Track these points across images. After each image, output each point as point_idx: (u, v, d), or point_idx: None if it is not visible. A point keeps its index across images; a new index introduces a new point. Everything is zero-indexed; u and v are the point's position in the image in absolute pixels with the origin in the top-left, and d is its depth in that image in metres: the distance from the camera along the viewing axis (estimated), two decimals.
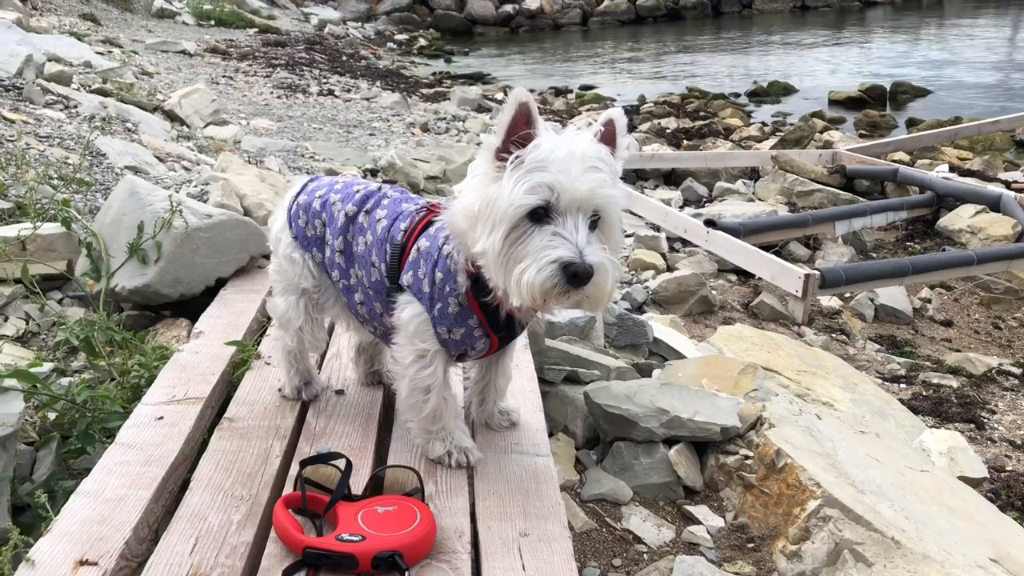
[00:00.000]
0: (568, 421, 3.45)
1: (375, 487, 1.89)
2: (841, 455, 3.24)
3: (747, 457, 3.18)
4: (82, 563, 1.65)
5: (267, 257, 2.45)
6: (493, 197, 1.71)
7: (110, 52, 12.76)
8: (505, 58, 23.39)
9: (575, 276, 1.65)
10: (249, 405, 2.31)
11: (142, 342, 2.79)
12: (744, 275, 7.18)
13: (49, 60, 8.36)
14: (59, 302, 3.26)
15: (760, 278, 6.87)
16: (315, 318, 2.21)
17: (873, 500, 2.94)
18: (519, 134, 1.73)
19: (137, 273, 3.01)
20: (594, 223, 1.75)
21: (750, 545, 2.98)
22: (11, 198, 3.85)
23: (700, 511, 3.13)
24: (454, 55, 23.36)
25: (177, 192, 4.82)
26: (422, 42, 24.50)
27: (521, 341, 2.78)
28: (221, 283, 3.15)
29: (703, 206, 9.12)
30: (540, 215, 1.69)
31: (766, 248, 7.41)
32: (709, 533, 3.03)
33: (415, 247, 1.98)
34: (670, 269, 7.08)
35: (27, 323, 3.11)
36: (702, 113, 14.90)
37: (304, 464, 1.88)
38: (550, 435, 3.41)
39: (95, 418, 2.33)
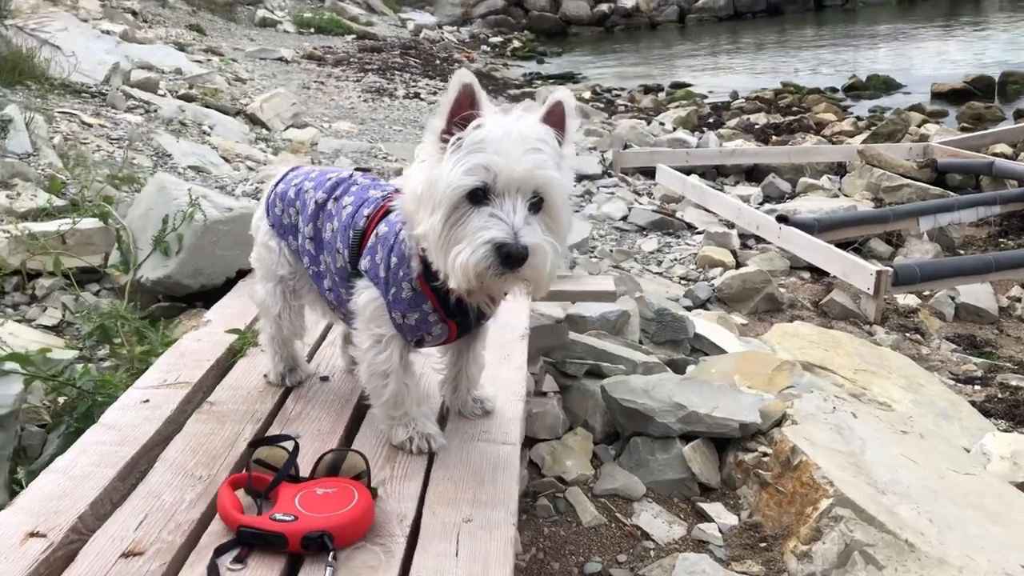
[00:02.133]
0: (588, 415, 3.41)
1: (332, 471, 1.91)
2: (869, 455, 3.09)
3: (765, 454, 3.07)
4: (32, 535, 1.71)
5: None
6: (435, 179, 1.70)
7: (208, 60, 13.27)
8: (598, 58, 23.25)
9: (508, 257, 1.63)
10: (233, 390, 2.36)
11: (163, 331, 2.90)
12: (817, 273, 6.94)
13: (138, 68, 8.78)
14: (96, 294, 3.42)
15: (833, 275, 6.63)
16: (292, 305, 2.25)
17: (893, 501, 2.80)
18: (462, 115, 1.71)
19: (160, 265, 3.13)
20: (538, 206, 1.71)
21: (762, 544, 2.89)
22: (68, 196, 4.04)
23: (714, 509, 3.04)
24: (547, 56, 23.36)
25: (233, 190, 4.99)
26: (516, 44, 24.60)
27: (518, 332, 2.76)
28: (242, 275, 3.24)
29: (784, 202, 8.87)
30: (479, 197, 1.67)
31: (845, 245, 7.16)
32: (720, 531, 2.95)
33: (374, 232, 1.99)
34: (740, 267, 6.91)
35: (63, 313, 3.26)
36: (794, 108, 14.48)
37: (252, 445, 1.92)
38: (569, 429, 3.40)
39: (95, 402, 2.43)
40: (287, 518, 1.69)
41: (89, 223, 3.44)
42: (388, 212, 2.01)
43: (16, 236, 3.27)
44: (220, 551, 1.67)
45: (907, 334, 6.07)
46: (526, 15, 28.53)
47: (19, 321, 3.19)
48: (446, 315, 1.94)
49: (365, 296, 1.96)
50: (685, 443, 3.18)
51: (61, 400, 2.59)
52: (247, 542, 1.68)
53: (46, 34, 7.18)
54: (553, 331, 3.53)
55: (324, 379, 2.44)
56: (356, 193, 2.10)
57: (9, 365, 2.34)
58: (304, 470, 1.92)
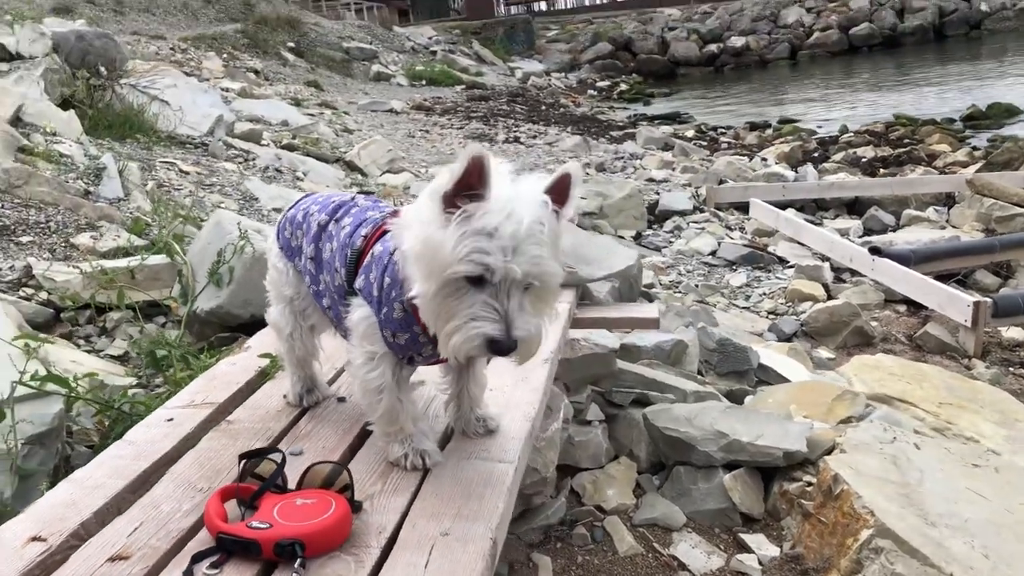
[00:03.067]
0: (633, 444, 3.36)
1: (323, 484, 1.95)
2: (927, 486, 2.93)
3: (809, 484, 2.95)
4: (33, 539, 1.81)
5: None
6: (435, 246, 1.72)
7: (321, 113, 13.89)
8: (706, 98, 23.10)
9: (498, 351, 1.72)
10: (253, 410, 2.44)
11: (206, 358, 3.03)
12: (914, 306, 6.64)
13: (246, 121, 9.26)
14: (162, 326, 3.60)
15: (929, 308, 6.33)
16: (301, 325, 2.32)
17: (944, 534, 2.64)
18: (469, 190, 1.70)
19: (213, 296, 3.28)
20: (529, 287, 1.74)
21: None
22: (149, 237, 4.29)
23: (755, 540, 2.93)
24: (654, 97, 23.40)
25: None
26: (623, 87, 24.76)
27: (540, 356, 2.74)
28: None
29: (887, 236, 8.54)
30: (475, 280, 1.71)
31: (947, 277, 6.84)
32: (760, 563, 2.84)
33: (371, 252, 2.04)
34: (832, 300, 6.68)
35: (129, 345, 3.45)
36: (906, 141, 13.98)
37: (243, 457, 1.98)
38: (614, 458, 3.36)
39: (133, 423, 2.56)
40: (262, 526, 1.73)
41: (157, 259, 3.64)
42: (385, 232, 2.05)
43: (89, 272, 3.49)
44: (198, 557, 1.72)
45: (1011, 368, 5.73)
46: (634, 58, 28.71)
47: (88, 351, 3.39)
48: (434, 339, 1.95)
49: (359, 314, 2.01)
50: (728, 472, 3.08)
51: (107, 423, 2.74)
52: (225, 548, 1.73)
53: (156, 90, 7.68)
54: (601, 360, 3.50)
55: (341, 400, 2.49)
56: (355, 214, 2.16)
57: (50, 386, 2.50)
58: (295, 483, 1.96)
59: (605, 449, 3.32)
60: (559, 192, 1.77)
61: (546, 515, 3.04)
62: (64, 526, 1.86)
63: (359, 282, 2.03)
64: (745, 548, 2.91)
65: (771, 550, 2.88)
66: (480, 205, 1.68)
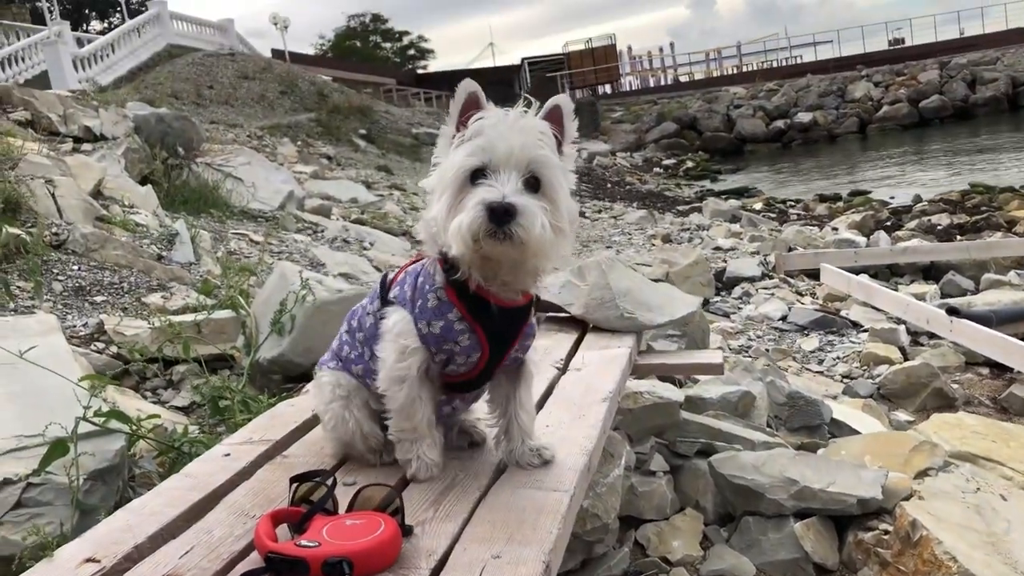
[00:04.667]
0: (699, 495, 3.24)
1: (376, 507, 1.92)
2: (1015, 536, 2.76)
3: (886, 533, 2.80)
4: (88, 560, 1.81)
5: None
6: (444, 170, 1.86)
7: (390, 194, 14.22)
8: (774, 172, 23.02)
9: (494, 212, 1.73)
10: (309, 445, 2.43)
11: (267, 402, 3.05)
12: (997, 368, 6.36)
13: (315, 197, 9.51)
14: (226, 378, 3.64)
15: (1016, 370, 6.06)
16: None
17: None
18: (468, 115, 1.86)
19: (275, 345, 3.32)
20: (535, 186, 1.81)
21: None
22: (218, 297, 4.39)
23: None
24: (721, 173, 23.39)
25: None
26: (689, 164, 24.83)
27: (600, 394, 2.69)
28: None
29: (964, 297, 8.26)
30: (479, 175, 1.80)
31: None
32: None
33: (403, 272, 2.13)
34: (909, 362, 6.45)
35: (195, 396, 3.50)
36: (983, 208, 13.63)
37: (293, 481, 1.96)
38: (679, 510, 3.25)
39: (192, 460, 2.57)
40: (311, 544, 1.70)
41: (222, 314, 3.71)
42: (412, 265, 2.15)
43: (158, 327, 3.57)
44: None
45: None
46: (699, 136, 28.83)
47: (155, 403, 3.44)
48: (472, 317, 1.98)
49: (394, 316, 2.06)
50: (799, 521, 2.95)
51: (167, 466, 2.76)
52: (274, 568, 1.70)
53: (230, 168, 7.96)
54: (663, 410, 3.42)
55: None
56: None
57: (113, 423, 2.53)
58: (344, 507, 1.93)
59: (670, 500, 3.22)
60: (554, 122, 1.89)
61: (608, 566, 2.94)
62: (119, 549, 1.86)
63: (393, 293, 2.11)
64: None
65: None
66: (476, 116, 1.84)
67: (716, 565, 2.94)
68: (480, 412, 2.33)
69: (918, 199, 15.34)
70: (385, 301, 2.13)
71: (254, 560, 1.80)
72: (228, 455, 2.39)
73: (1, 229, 3.82)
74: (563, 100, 1.92)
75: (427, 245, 2.02)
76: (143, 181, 6.91)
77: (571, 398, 2.68)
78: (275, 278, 3.59)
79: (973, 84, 29.00)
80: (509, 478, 2.17)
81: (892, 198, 16.38)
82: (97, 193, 5.82)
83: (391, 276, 2.17)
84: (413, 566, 1.73)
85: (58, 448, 2.33)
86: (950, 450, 3.97)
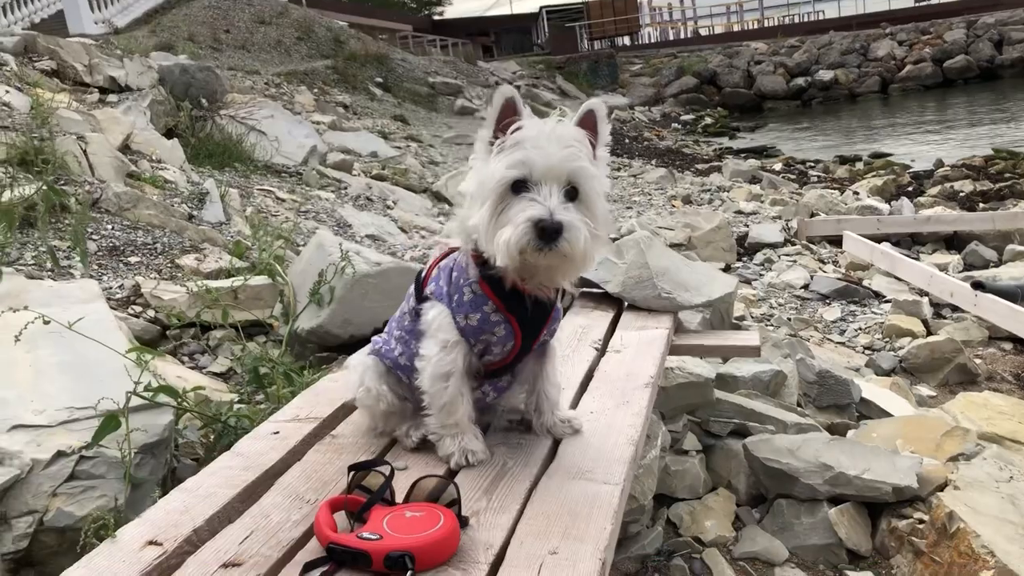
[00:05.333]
0: (732, 476, 3.27)
1: (428, 499, 1.94)
2: None
3: (921, 521, 2.82)
4: (150, 543, 1.84)
5: None
6: (484, 177, 1.89)
7: (408, 146, 14.13)
8: (793, 131, 22.76)
9: (544, 231, 1.79)
10: (356, 425, 2.45)
11: (308, 375, 3.07)
12: (1021, 343, 6.35)
13: (337, 151, 9.47)
14: (263, 344, 3.67)
15: None
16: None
17: None
18: (506, 122, 1.89)
19: (314, 316, 3.33)
20: (573, 195, 1.87)
21: None
22: (250, 259, 4.41)
23: None
24: (740, 131, 23.14)
25: (403, 256, 5.26)
26: (708, 121, 24.56)
27: (641, 380, 2.71)
28: None
29: (988, 270, 8.22)
30: (519, 187, 1.85)
31: None
32: None
33: (436, 268, 2.18)
34: (931, 336, 6.44)
35: (232, 362, 3.53)
36: (1007, 175, 13.48)
37: (351, 469, 1.99)
38: (712, 490, 3.28)
39: (238, 436, 2.60)
40: (372, 537, 1.73)
41: (259, 280, 3.73)
42: (445, 257, 2.18)
43: (194, 291, 3.59)
44: (309, 566, 1.72)
45: None
46: (719, 92, 28.49)
47: (192, 368, 3.48)
48: (507, 311, 2.04)
49: (433, 311, 2.11)
50: (833, 506, 2.98)
51: (212, 436, 2.79)
52: (335, 559, 1.73)
53: (254, 121, 7.92)
54: (698, 389, 3.44)
55: None
56: None
57: (162, 398, 2.56)
58: (402, 496, 1.96)
59: (703, 480, 3.25)
60: (587, 128, 1.94)
61: (642, 544, 2.98)
62: (178, 532, 1.89)
63: (429, 288, 2.16)
64: None
65: None
66: (515, 127, 1.88)
67: (749, 547, 2.97)
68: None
69: (940, 164, 15.17)
70: (421, 297, 2.18)
71: (314, 548, 1.83)
72: (277, 433, 2.42)
73: (50, 196, 3.81)
74: (597, 105, 1.97)
75: (461, 242, 2.07)
76: (168, 134, 6.88)
77: (613, 383, 2.69)
78: (312, 247, 3.59)
79: (1000, 44, 28.45)
80: (558, 467, 2.19)
81: (913, 161, 16.20)
82: (125, 147, 5.80)
83: (424, 272, 2.22)
84: (472, 560, 1.76)
85: (110, 423, 2.36)
86: (977, 431, 3.99)
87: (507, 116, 1.89)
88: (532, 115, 1.92)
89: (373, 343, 2.39)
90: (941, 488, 2.94)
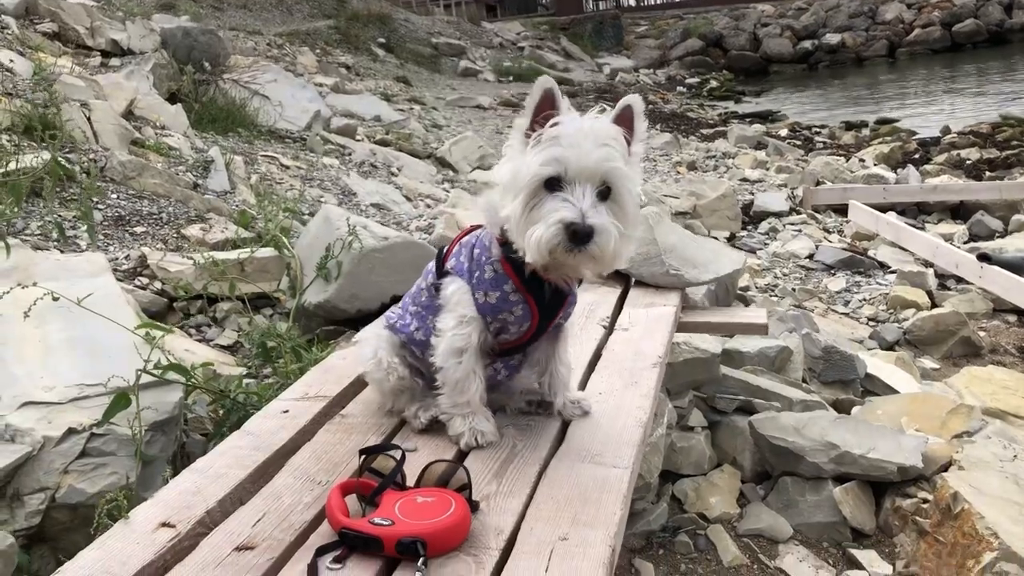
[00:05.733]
0: (737, 453, 3.29)
1: (438, 482, 1.95)
2: None
3: (925, 501, 2.84)
4: (163, 524, 1.86)
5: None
6: (518, 169, 1.89)
7: (411, 109, 14.02)
8: (799, 95, 22.57)
9: (575, 234, 1.81)
10: (366, 404, 2.46)
11: (316, 351, 3.08)
12: None
13: (340, 116, 9.41)
14: (269, 317, 3.67)
15: None
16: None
17: None
18: (544, 115, 1.89)
19: (321, 290, 3.33)
20: (605, 195, 1.88)
21: None
22: (256, 229, 4.40)
23: (866, 556, 2.84)
24: (745, 95, 22.94)
25: (408, 226, 5.24)
26: (713, 84, 24.35)
27: (650, 360, 2.71)
28: (396, 300, 3.38)
29: (993, 241, 8.19)
30: (553, 184, 1.85)
31: None
32: None
33: (457, 244, 2.20)
34: (936, 308, 6.45)
35: (238, 335, 3.54)
36: (1014, 143, 13.39)
37: (363, 452, 1.99)
38: (717, 466, 3.30)
39: (247, 412, 2.62)
40: (384, 522, 1.74)
41: (265, 252, 3.72)
42: (468, 234, 2.20)
43: (201, 263, 3.58)
44: (321, 551, 1.74)
45: None
46: (725, 55, 28.21)
47: (200, 340, 3.48)
48: (526, 291, 2.05)
49: (452, 286, 2.12)
50: (837, 485, 2.99)
51: (221, 412, 2.80)
52: (347, 543, 1.74)
53: (257, 85, 7.86)
54: (704, 365, 3.45)
55: None
56: None
57: (171, 375, 2.57)
58: (412, 480, 1.97)
59: (708, 456, 3.26)
60: (624, 124, 1.94)
61: (647, 521, 3.01)
62: (191, 514, 1.90)
63: (450, 263, 2.17)
64: (856, 564, 2.83)
65: (883, 568, 2.79)
66: (552, 122, 1.87)
67: (753, 524, 3.00)
68: None
69: (947, 130, 15.05)
70: (441, 272, 2.19)
71: (325, 531, 1.84)
72: (286, 411, 2.42)
73: (57, 170, 3.78)
74: (635, 100, 1.96)
75: (487, 221, 2.08)
76: (171, 99, 6.83)
77: (621, 363, 2.70)
78: (319, 220, 3.58)
79: (1010, 8, 28.10)
80: (568, 450, 2.20)
81: (920, 128, 16.09)
82: (128, 114, 5.76)
83: (445, 248, 2.22)
84: (483, 546, 1.77)
85: (121, 401, 2.37)
86: (981, 406, 4.00)
87: (545, 108, 1.88)
88: (571, 108, 1.91)
89: (387, 318, 2.39)
90: (946, 468, 2.96)
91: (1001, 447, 3.15)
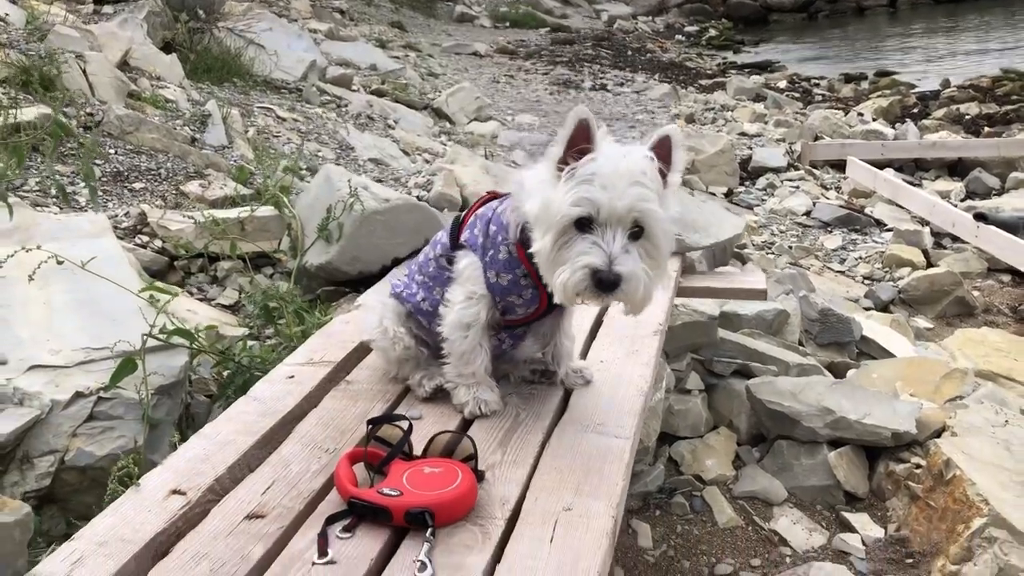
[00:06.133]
0: (733, 416, 3.34)
1: (444, 452, 1.99)
2: None
3: (918, 466, 2.90)
4: (174, 492, 1.89)
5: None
6: (548, 203, 1.87)
7: (406, 56, 13.85)
8: (799, 46, 22.33)
9: (601, 283, 1.81)
10: (371, 370, 2.49)
11: (323, 314, 3.10)
12: (1019, 276, 6.40)
13: (336, 64, 9.31)
14: (269, 277, 3.68)
15: None
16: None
17: None
18: (578, 147, 1.86)
19: (323, 251, 3.34)
20: (638, 235, 1.86)
21: (908, 560, 2.74)
22: (254, 185, 4.38)
23: (859, 519, 2.91)
24: (744, 44, 22.68)
25: (407, 182, 5.22)
26: (712, 33, 24.04)
27: (651, 327, 2.74)
28: (397, 263, 3.40)
29: (990, 200, 8.20)
30: (584, 224, 1.83)
31: None
32: (864, 543, 2.82)
33: (473, 215, 2.19)
34: (931, 267, 6.48)
35: (239, 294, 3.55)
36: (1014, 97, 13.32)
37: (370, 423, 2.03)
38: (713, 428, 3.35)
39: (252, 376, 2.64)
40: (393, 493, 1.78)
41: (265, 211, 3.71)
42: (486, 203, 2.20)
43: (201, 222, 3.58)
44: (331, 520, 1.77)
45: None
46: (723, 3, 27.79)
47: (201, 300, 3.49)
48: (537, 280, 2.04)
49: (465, 261, 2.13)
50: (832, 449, 3.05)
51: (226, 374, 2.83)
52: (356, 513, 1.78)
53: (252, 34, 7.75)
54: (702, 328, 3.48)
55: None
56: None
57: (176, 339, 2.59)
58: (419, 449, 2.00)
59: (705, 419, 3.31)
60: (662, 154, 1.91)
61: (644, 482, 3.07)
62: (201, 481, 1.93)
63: (464, 236, 2.17)
64: (848, 527, 2.89)
65: (875, 531, 2.86)
66: (586, 159, 1.84)
67: (748, 486, 3.06)
68: None
69: (946, 84, 14.96)
70: (455, 244, 2.18)
71: (334, 500, 1.88)
72: (292, 377, 2.45)
73: (58, 131, 3.75)
74: (673, 131, 1.93)
75: (513, 216, 2.05)
76: (166, 48, 6.74)
77: (622, 331, 2.72)
78: (320, 180, 3.57)
79: None
80: (570, 419, 2.24)
81: (919, 80, 15.97)
82: (123, 64, 5.69)
83: (460, 219, 2.22)
84: (489, 516, 1.81)
85: (127, 366, 2.39)
86: (973, 369, 4.06)
87: (580, 141, 1.85)
88: (606, 137, 1.88)
89: (393, 286, 2.40)
90: (939, 433, 3.02)
91: (993, 412, 3.20)
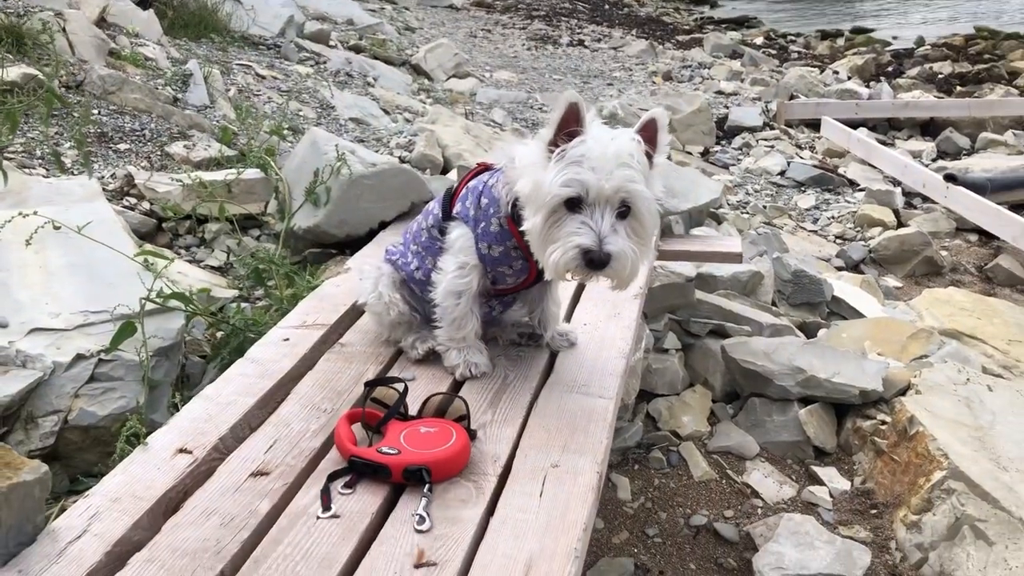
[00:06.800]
0: (708, 374, 3.47)
1: (438, 412, 2.10)
2: (999, 429, 3.02)
3: (883, 423, 3.05)
4: (181, 451, 1.99)
5: (427, 203, 2.69)
6: (539, 183, 1.95)
7: (382, 9, 13.72)
8: (776, 2, 22.31)
9: (591, 261, 1.90)
10: (363, 333, 2.58)
11: (309, 277, 3.17)
12: (986, 236, 6.57)
13: (313, 19, 9.24)
14: (257, 239, 3.74)
15: (1002, 239, 6.27)
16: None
17: (1016, 478, 2.74)
18: (568, 131, 1.94)
19: (310, 215, 3.40)
20: (625, 214, 1.95)
21: (872, 511, 2.89)
22: (238, 146, 4.41)
23: (827, 473, 3.06)
24: None
25: (388, 142, 5.27)
26: None
27: (631, 291, 2.84)
28: (384, 226, 3.47)
29: (960, 160, 8.35)
30: (574, 204, 1.93)
31: (1023, 208, 6.73)
32: (831, 495, 2.97)
33: (465, 187, 2.27)
34: (902, 227, 6.64)
35: (228, 256, 3.61)
36: (986, 56, 13.47)
37: (367, 385, 2.13)
38: (689, 386, 3.48)
39: (246, 338, 2.73)
40: (392, 451, 1.88)
41: (252, 173, 3.76)
42: (477, 174, 2.27)
43: (189, 184, 3.62)
44: (333, 476, 1.88)
45: None
46: None
47: (190, 261, 3.56)
48: (527, 251, 2.12)
49: (456, 232, 2.22)
50: (803, 406, 3.19)
51: (219, 335, 2.91)
52: (357, 470, 1.89)
53: None
54: (679, 289, 3.59)
55: None
56: None
57: (173, 303, 2.66)
58: (414, 410, 2.11)
59: (681, 377, 3.44)
60: (648, 136, 1.99)
61: (624, 438, 3.20)
62: (206, 440, 2.02)
63: (456, 208, 2.26)
64: (817, 480, 3.04)
65: (842, 483, 3.01)
66: (576, 141, 1.93)
67: (723, 441, 3.20)
68: None
69: (920, 42, 15.08)
70: (447, 215, 2.26)
71: (334, 458, 1.98)
72: (287, 340, 2.54)
73: (51, 100, 3.75)
74: (659, 114, 2.00)
75: (506, 189, 2.12)
76: (143, 4, 6.68)
77: (603, 294, 2.79)
78: (306, 144, 3.62)
79: None
80: (556, 380, 2.35)
81: (894, 38, 16.07)
82: (101, 20, 5.66)
83: (453, 190, 2.30)
84: (482, 472, 1.93)
85: (127, 329, 2.47)
86: (939, 328, 4.22)
87: (570, 124, 1.93)
88: (595, 120, 1.95)
89: (389, 252, 2.48)
90: (904, 391, 3.16)
91: (956, 371, 3.35)
